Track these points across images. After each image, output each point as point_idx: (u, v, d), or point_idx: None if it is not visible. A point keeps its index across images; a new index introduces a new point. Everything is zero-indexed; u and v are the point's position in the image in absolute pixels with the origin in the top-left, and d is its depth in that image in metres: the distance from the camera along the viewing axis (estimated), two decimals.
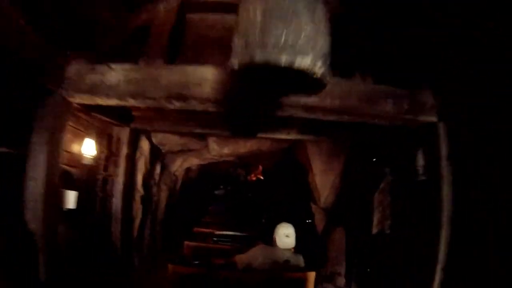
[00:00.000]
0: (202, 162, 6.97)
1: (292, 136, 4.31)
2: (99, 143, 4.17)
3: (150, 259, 5.84)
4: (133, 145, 4.79)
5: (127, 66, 2.77)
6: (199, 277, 2.76)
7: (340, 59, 2.71)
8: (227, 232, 5.30)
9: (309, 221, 5.64)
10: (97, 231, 4.23)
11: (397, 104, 2.98)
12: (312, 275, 2.85)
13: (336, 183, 4.82)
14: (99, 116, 3.89)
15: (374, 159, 4.25)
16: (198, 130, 4.24)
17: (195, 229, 5.37)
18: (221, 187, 11.44)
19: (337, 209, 4.98)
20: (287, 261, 2.96)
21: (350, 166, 4.93)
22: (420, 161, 3.06)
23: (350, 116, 2.85)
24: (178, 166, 6.66)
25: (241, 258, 3.08)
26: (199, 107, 2.73)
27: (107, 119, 4.11)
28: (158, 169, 5.90)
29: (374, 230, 3.83)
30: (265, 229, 4.17)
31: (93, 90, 2.82)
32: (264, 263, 2.93)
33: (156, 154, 5.72)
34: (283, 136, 4.30)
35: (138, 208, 5.11)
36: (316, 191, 4.95)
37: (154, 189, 5.95)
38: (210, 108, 2.76)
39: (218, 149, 5.33)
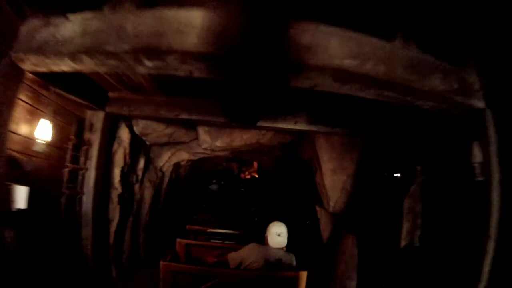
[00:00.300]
0: (192, 157, 6.22)
1: (300, 126, 3.57)
2: (64, 128, 3.39)
3: (132, 268, 5.04)
4: (109, 134, 4.01)
5: (88, 14, 2.02)
6: (191, 274, 2.74)
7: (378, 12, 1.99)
8: (220, 230, 5.12)
9: (308, 222, 5.27)
10: (61, 237, 3.44)
11: (447, 80, 2.26)
12: (304, 275, 2.81)
13: (348, 185, 4.10)
14: (64, 93, 3.12)
15: (398, 155, 3.50)
16: (185, 116, 3.49)
17: (188, 226, 4.99)
18: (214, 181, 10.85)
19: (348, 215, 4.24)
20: (279, 260, 2.95)
21: (365, 164, 4.20)
22: (477, 157, 2.31)
23: (393, 92, 2.12)
24: (165, 161, 5.91)
25: (234, 257, 3.08)
26: (181, 69, 1.97)
27: (76, 99, 3.33)
28: (141, 163, 5.13)
29: (403, 243, 3.09)
30: (258, 227, 4.21)
31: (42, 48, 2.06)
32: (256, 261, 2.92)
33: (139, 146, 4.95)
34: (289, 126, 3.56)
35: (115, 209, 4.34)
36: (325, 193, 4.21)
37: (137, 187, 5.18)
38: (197, 71, 1.99)
39: (210, 141, 4.56)
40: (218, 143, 4.60)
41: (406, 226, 3.13)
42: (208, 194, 10.39)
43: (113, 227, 4.36)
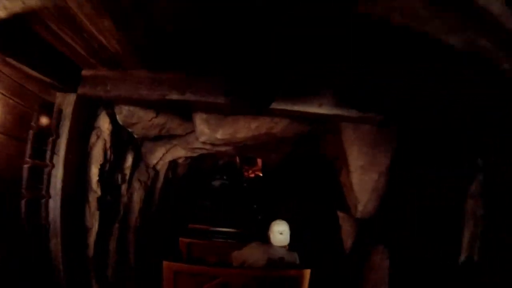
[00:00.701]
0: (190, 154, 5.46)
1: (325, 109, 2.79)
2: (25, 114, 2.65)
3: (120, 282, 4.27)
4: (84, 123, 3.26)
5: None
6: (193, 274, 2.77)
7: None
8: (222, 229, 5.21)
9: (325, 229, 4.58)
10: (22, 251, 2.70)
11: None
12: (307, 273, 2.83)
13: (380, 185, 3.34)
14: (25, 68, 2.38)
15: (449, 146, 2.73)
16: (175, 96, 2.73)
17: (190, 225, 5.01)
18: (217, 177, 10.20)
19: (378, 222, 3.46)
20: (281, 259, 2.97)
21: (402, 159, 3.42)
22: None
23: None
24: (159, 158, 5.15)
25: (236, 255, 3.09)
26: None
27: (40, 76, 2.60)
28: (129, 161, 4.38)
29: (462, 257, 2.32)
30: (262, 226, 4.04)
31: None
32: (259, 260, 2.94)
33: (126, 140, 4.20)
34: (311, 109, 2.78)
35: (93, 215, 3.59)
36: (351, 196, 3.46)
37: (124, 188, 4.42)
38: None
39: (209, 133, 3.78)
40: (219, 135, 3.80)
41: (467, 234, 2.35)
42: (210, 190, 9.66)
43: (92, 236, 3.59)
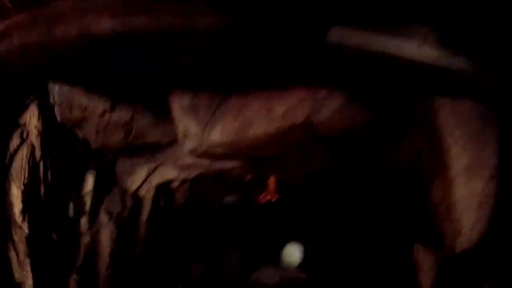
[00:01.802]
0: (185, 176, 4.10)
1: (430, 53, 1.53)
2: None
3: None
4: None
5: None
6: None
7: None
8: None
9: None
10: None
11: None
12: None
13: (488, 197, 1.97)
14: None
15: None
16: (108, 25, 1.42)
17: None
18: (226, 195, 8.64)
19: (485, 259, 2.10)
20: (293, 279, 3.02)
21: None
22: None
23: None
24: (141, 181, 3.82)
25: (250, 279, 3.21)
26: None
27: None
28: (89, 183, 3.14)
29: None
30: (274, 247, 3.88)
31: None
32: (272, 283, 3.01)
33: (81, 151, 2.91)
34: (411, 49, 1.49)
35: (22, 264, 2.23)
36: (450, 218, 2.22)
37: (84, 223, 3.09)
38: None
39: (199, 133, 2.51)
40: (216, 136, 2.50)
41: None
42: (221, 212, 8.20)
43: None
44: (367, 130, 2.54)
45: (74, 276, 3.15)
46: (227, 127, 2.46)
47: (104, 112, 2.49)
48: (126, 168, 3.85)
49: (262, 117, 2.36)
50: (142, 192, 4.12)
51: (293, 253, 3.23)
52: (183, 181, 4.90)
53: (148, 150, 3.53)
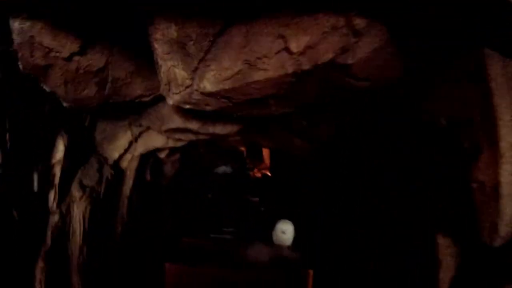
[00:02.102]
0: (173, 144, 3.62)
1: None
2: None
3: None
4: None
5: None
6: (197, 275, 2.84)
7: None
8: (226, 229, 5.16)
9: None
10: None
11: None
12: (310, 273, 2.81)
13: None
14: None
15: None
16: None
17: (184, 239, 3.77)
18: (220, 164, 8.46)
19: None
20: (284, 258, 3.00)
21: None
22: None
23: None
24: (124, 149, 3.35)
25: (240, 255, 3.10)
26: None
27: None
28: (59, 150, 2.57)
29: None
30: (265, 224, 3.69)
31: None
32: (262, 260, 2.98)
33: (50, 111, 2.35)
34: None
35: None
36: (495, 203, 1.72)
37: (52, 199, 2.54)
38: None
39: (188, 81, 1.87)
40: (210, 83, 1.83)
41: None
42: (212, 181, 7.86)
43: None
44: (406, 81, 1.98)
45: (41, 263, 2.63)
46: (226, 70, 1.80)
47: (71, 56, 1.88)
48: (106, 134, 3.31)
49: (272, 56, 1.73)
50: (124, 163, 3.59)
51: (285, 231, 3.06)
52: (171, 151, 4.36)
53: (131, 110, 2.96)
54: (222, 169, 8.08)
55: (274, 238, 3.07)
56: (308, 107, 2.36)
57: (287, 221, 3.16)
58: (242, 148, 8.47)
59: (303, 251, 3.13)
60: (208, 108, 2.06)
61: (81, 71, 1.98)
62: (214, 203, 6.95)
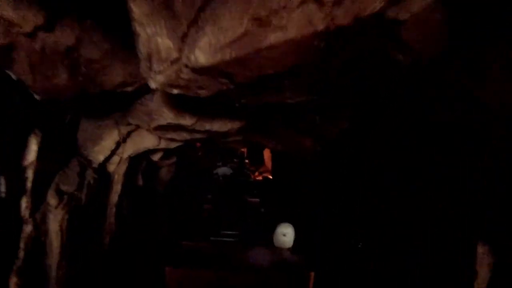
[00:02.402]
0: (166, 145, 3.29)
1: None
2: None
3: None
4: None
5: None
6: (197, 279, 2.86)
7: None
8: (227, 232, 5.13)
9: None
10: None
11: None
12: (311, 276, 2.84)
13: None
14: None
15: None
16: None
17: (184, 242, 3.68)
18: (220, 163, 8.51)
19: None
20: (285, 261, 3.02)
21: None
22: None
23: None
24: (110, 150, 3.02)
25: (240, 258, 3.13)
26: None
27: None
28: (32, 151, 2.26)
29: None
30: (266, 227, 3.89)
31: None
32: (263, 262, 2.99)
33: (25, 103, 2.02)
34: None
35: None
36: None
37: (24, 207, 2.22)
38: None
39: (175, 52, 1.41)
40: (203, 53, 1.37)
41: None
42: (213, 181, 7.88)
43: None
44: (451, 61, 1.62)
45: (14, 278, 2.29)
46: (226, 32, 1.31)
47: (35, 31, 1.54)
48: (90, 134, 2.98)
49: (294, 8, 1.22)
50: (111, 166, 3.25)
51: (286, 234, 3.16)
52: (164, 153, 4.03)
53: (115, 105, 2.62)
54: (222, 170, 7.92)
55: (275, 241, 3.15)
56: (328, 94, 2.00)
57: (287, 224, 3.22)
58: (243, 150, 8.33)
59: (304, 253, 3.15)
60: (202, 93, 1.64)
61: (48, 51, 1.64)
62: (214, 205, 6.76)
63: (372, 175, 3.22)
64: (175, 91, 1.59)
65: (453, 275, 2.16)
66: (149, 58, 1.44)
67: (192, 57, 1.38)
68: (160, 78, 1.48)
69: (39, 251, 2.50)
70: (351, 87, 1.98)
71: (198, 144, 6.80)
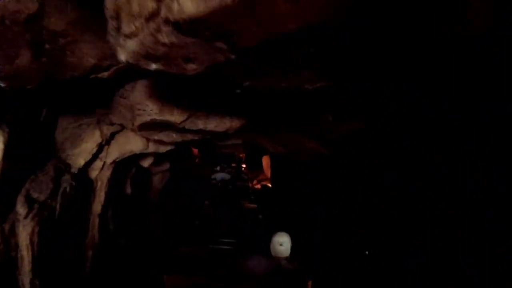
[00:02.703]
0: (155, 148, 3.00)
1: None
2: None
3: None
4: None
5: None
6: (196, 286, 2.88)
7: None
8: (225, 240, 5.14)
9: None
10: None
11: None
12: (309, 284, 2.90)
13: None
14: None
15: None
16: None
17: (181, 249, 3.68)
18: (218, 168, 8.49)
19: None
20: (282, 270, 3.01)
21: None
22: None
23: None
24: (91, 153, 2.68)
25: (238, 267, 3.14)
26: None
27: None
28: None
29: None
30: (264, 236, 3.67)
31: None
32: (260, 271, 3.00)
33: None
34: None
35: None
36: None
37: None
38: None
39: (155, 3, 0.97)
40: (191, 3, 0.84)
41: None
42: (210, 187, 7.77)
43: None
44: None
45: None
46: None
47: None
48: (68, 133, 2.68)
49: None
50: (93, 172, 2.96)
51: (282, 243, 3.08)
52: (157, 158, 3.74)
53: (93, 98, 2.34)
54: (220, 176, 7.84)
55: (272, 250, 3.10)
56: (353, 82, 1.67)
57: (283, 233, 3.19)
58: (241, 155, 8.21)
59: (302, 261, 3.14)
60: (191, 68, 1.20)
61: (7, 21, 1.35)
62: (212, 211, 6.77)
63: (372, 178, 3.22)
64: (154, 66, 1.19)
65: (453, 275, 2.18)
66: (117, 15, 1.04)
67: (175, 5, 0.93)
68: (132, 44, 1.08)
69: (10, 266, 2.19)
70: (379, 75, 1.63)
71: (196, 151, 6.58)
